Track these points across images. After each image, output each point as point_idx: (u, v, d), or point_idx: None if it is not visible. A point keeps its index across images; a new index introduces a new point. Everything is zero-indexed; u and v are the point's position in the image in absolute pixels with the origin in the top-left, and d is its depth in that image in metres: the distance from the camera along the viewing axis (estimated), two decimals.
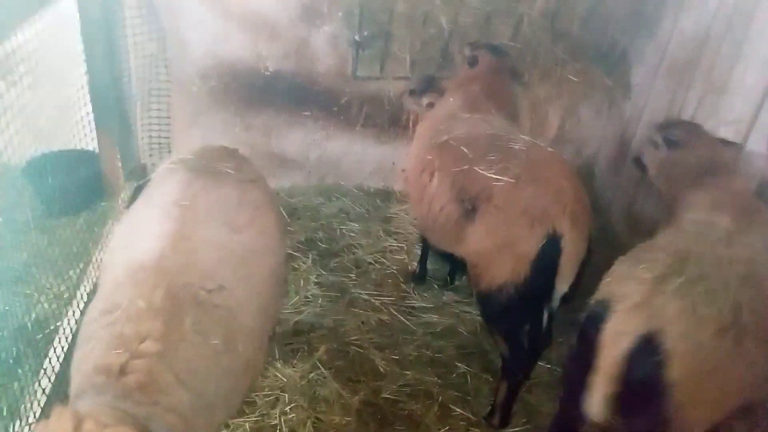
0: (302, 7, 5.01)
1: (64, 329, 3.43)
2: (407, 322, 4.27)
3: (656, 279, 2.52)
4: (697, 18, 4.77)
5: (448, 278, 4.68)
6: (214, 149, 3.26)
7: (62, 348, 3.32)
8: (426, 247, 4.54)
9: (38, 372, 3.16)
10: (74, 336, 3.40)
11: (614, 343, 2.45)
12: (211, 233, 2.56)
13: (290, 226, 5.15)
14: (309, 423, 3.43)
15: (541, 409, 3.71)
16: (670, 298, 2.45)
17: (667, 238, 3.05)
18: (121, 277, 2.32)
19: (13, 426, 2.86)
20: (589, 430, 2.85)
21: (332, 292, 4.46)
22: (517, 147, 3.40)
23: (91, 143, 4.58)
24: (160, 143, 5.32)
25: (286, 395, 3.58)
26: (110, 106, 4.75)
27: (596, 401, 2.48)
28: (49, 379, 3.13)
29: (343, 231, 5.20)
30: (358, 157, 5.73)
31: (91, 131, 4.49)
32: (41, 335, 3.57)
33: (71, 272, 3.89)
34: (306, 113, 5.45)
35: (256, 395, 3.56)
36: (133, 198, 3.00)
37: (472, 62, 4.39)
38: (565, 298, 3.20)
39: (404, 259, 4.93)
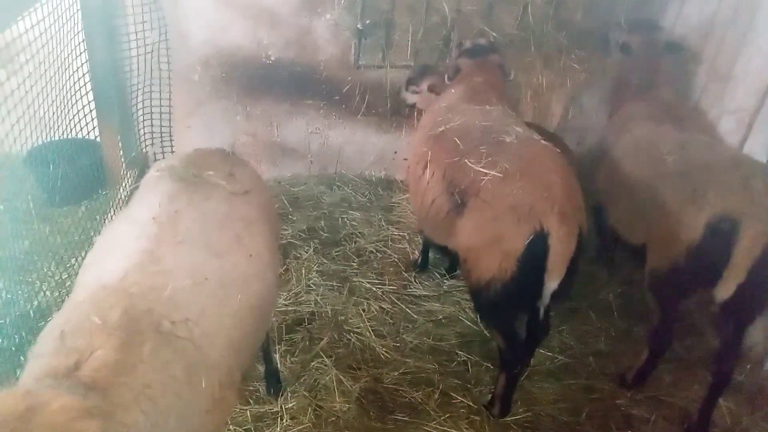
0: None
1: None
2: (408, 311, 4.27)
3: (748, 187, 3.19)
4: (701, 6, 4.74)
5: (449, 267, 4.67)
6: (208, 154, 3.04)
7: None
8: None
9: None
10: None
11: (755, 242, 3.05)
12: (187, 256, 2.34)
13: (292, 216, 5.16)
14: (310, 410, 3.44)
15: (542, 398, 3.72)
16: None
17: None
18: (81, 296, 2.15)
19: None
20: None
21: (334, 280, 4.47)
22: (508, 140, 3.35)
23: (92, 132, 4.58)
24: (161, 132, 5.32)
25: (287, 383, 3.60)
26: (111, 95, 4.76)
27: (729, 289, 3.14)
28: None
29: (345, 220, 5.21)
30: (359, 146, 5.72)
31: (92, 120, 4.49)
32: (43, 323, 3.56)
33: (73, 261, 3.90)
34: (308, 102, 5.44)
35: (258, 383, 3.58)
36: (127, 201, 2.87)
37: (454, 73, 4.33)
38: (557, 294, 3.16)
39: (406, 248, 4.93)
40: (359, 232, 5.06)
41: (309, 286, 4.38)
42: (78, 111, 4.28)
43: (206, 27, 5.02)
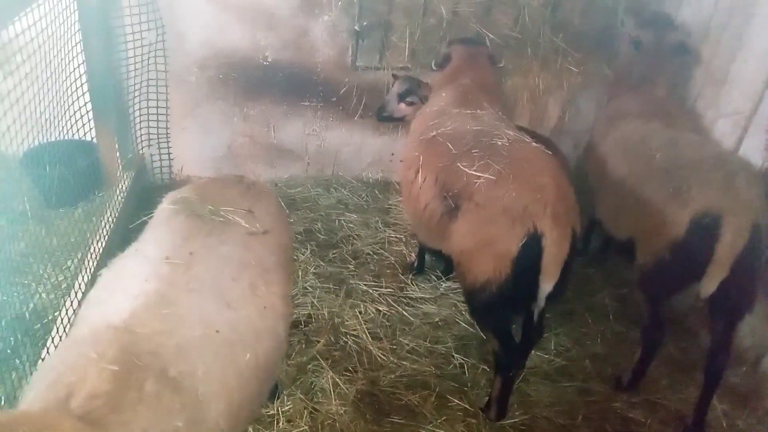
0: None
1: (61, 319, 3.44)
2: (405, 313, 4.27)
3: (731, 184, 3.25)
4: (697, 10, 4.75)
5: (446, 270, 4.67)
6: (227, 185, 2.87)
7: (60, 338, 3.32)
8: None
9: (36, 362, 3.17)
10: (72, 326, 3.41)
11: (737, 238, 3.11)
12: (198, 304, 2.18)
13: (289, 218, 5.14)
14: (306, 413, 3.44)
15: (538, 401, 3.72)
16: (755, 195, 3.22)
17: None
18: (82, 333, 2.02)
19: None
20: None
21: (330, 283, 4.46)
22: (500, 143, 3.35)
23: (88, 133, 4.56)
24: (158, 133, 5.32)
25: (283, 386, 3.60)
26: (108, 96, 4.74)
27: (713, 284, 3.14)
28: None
29: (342, 222, 5.20)
30: (356, 147, 5.72)
31: (88, 121, 4.47)
32: (39, 325, 3.58)
33: (69, 262, 3.89)
34: (305, 104, 5.44)
35: None
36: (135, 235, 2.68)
37: (444, 61, 4.33)
38: (552, 296, 3.16)
39: (402, 250, 4.93)
40: (356, 235, 5.06)
41: (305, 288, 4.38)
42: (74, 112, 4.27)
43: (203, 28, 5.01)
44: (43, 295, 3.64)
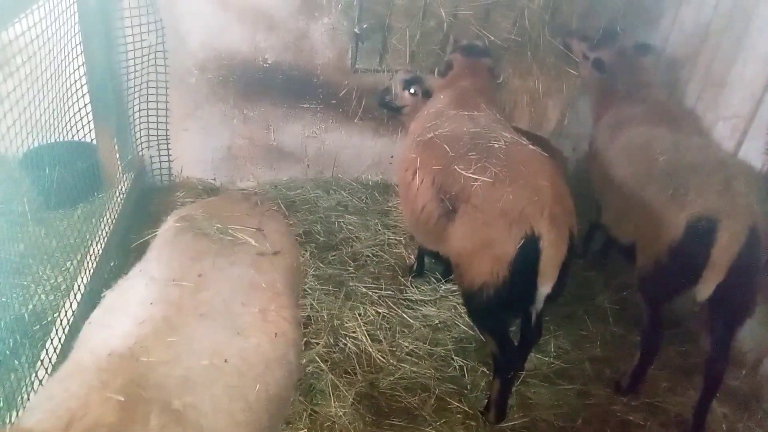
0: None
1: (61, 321, 3.43)
2: (404, 315, 4.27)
3: (729, 188, 3.27)
4: (697, 13, 4.76)
5: (445, 272, 4.67)
6: (234, 202, 2.77)
7: (59, 339, 3.32)
8: None
9: (35, 363, 3.17)
10: (71, 327, 3.41)
11: (732, 242, 3.12)
12: (207, 331, 2.06)
13: (288, 220, 5.15)
14: (305, 415, 3.43)
15: (538, 403, 3.72)
16: (753, 199, 3.24)
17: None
18: (86, 362, 1.88)
19: (10, 417, 2.87)
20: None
21: (330, 285, 4.46)
22: (497, 146, 3.36)
23: (88, 135, 4.56)
24: (157, 135, 5.32)
25: None
26: (108, 97, 4.74)
27: (709, 287, 3.17)
28: (46, 370, 3.13)
29: (341, 224, 5.20)
30: (356, 150, 5.72)
31: (88, 123, 4.47)
32: (38, 326, 3.57)
33: (68, 264, 3.88)
34: (304, 106, 5.44)
35: None
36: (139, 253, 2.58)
37: (446, 69, 4.36)
38: (550, 299, 3.16)
39: (402, 252, 4.93)
40: (355, 236, 5.06)
41: (305, 290, 4.37)
42: (74, 113, 4.27)
43: (203, 30, 5.02)
44: (43, 296, 3.63)
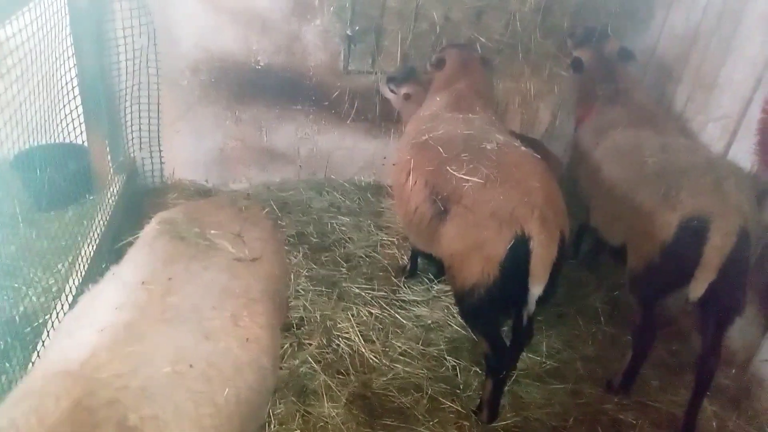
0: (294, 1, 5.00)
1: (52, 323, 3.42)
2: (397, 316, 4.27)
3: (720, 188, 3.30)
4: (687, 15, 4.80)
5: (438, 272, 4.68)
6: (218, 207, 2.73)
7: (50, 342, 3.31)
8: None
9: (26, 366, 3.15)
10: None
11: (725, 241, 3.14)
12: (172, 336, 1.99)
13: (281, 221, 5.15)
14: (298, 416, 3.43)
15: (530, 403, 3.73)
16: (743, 199, 3.28)
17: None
18: (34, 382, 1.78)
19: None
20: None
21: (323, 286, 4.46)
22: (489, 147, 3.38)
23: (80, 137, 4.55)
24: (149, 137, 5.31)
25: (275, 388, 3.59)
26: (99, 99, 4.73)
27: (701, 287, 3.17)
28: None
29: (334, 225, 5.20)
30: (349, 151, 5.73)
31: (80, 125, 4.46)
32: (29, 329, 3.55)
33: (60, 266, 3.87)
34: (297, 107, 5.45)
35: None
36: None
37: (438, 64, 4.40)
38: (541, 299, 3.17)
39: (395, 253, 4.94)
40: (348, 238, 5.07)
41: (298, 291, 4.37)
42: (66, 115, 4.26)
43: (196, 32, 5.02)
44: (34, 298, 3.62)
